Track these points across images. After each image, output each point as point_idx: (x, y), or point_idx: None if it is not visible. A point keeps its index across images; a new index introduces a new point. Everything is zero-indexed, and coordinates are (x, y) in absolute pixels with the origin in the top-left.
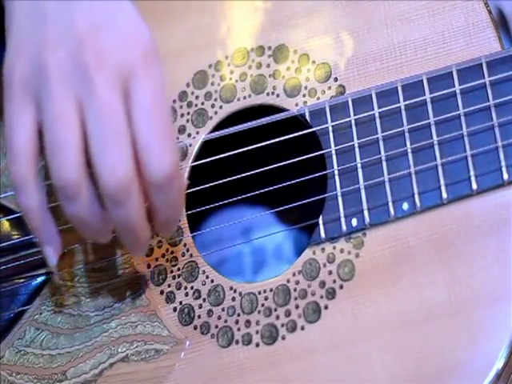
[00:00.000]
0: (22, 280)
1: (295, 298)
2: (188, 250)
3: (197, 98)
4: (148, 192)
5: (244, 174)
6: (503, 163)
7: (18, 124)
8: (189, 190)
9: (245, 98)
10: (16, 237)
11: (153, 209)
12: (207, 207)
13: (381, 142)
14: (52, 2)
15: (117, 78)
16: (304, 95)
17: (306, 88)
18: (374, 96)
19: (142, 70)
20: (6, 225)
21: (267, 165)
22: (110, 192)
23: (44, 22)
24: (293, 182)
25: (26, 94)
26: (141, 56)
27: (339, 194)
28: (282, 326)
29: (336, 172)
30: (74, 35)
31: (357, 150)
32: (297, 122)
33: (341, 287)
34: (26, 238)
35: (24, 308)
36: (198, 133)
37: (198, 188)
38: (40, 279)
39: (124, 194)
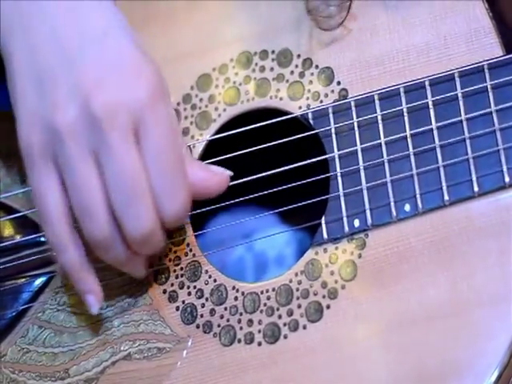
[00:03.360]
0: (25, 279)
1: (297, 298)
2: (191, 250)
3: (201, 100)
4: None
5: (247, 178)
6: (504, 166)
7: (46, 191)
8: None
9: (248, 101)
10: (19, 236)
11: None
12: (210, 208)
13: (383, 145)
14: (53, 63)
15: (129, 129)
16: (307, 98)
17: (309, 91)
18: (376, 99)
19: (149, 115)
20: (9, 224)
21: (270, 166)
22: (137, 241)
23: (50, 85)
24: (296, 184)
25: (47, 160)
26: (147, 97)
27: (342, 195)
28: (285, 325)
29: (339, 173)
30: (81, 92)
31: (359, 152)
32: (299, 124)
33: (343, 287)
34: (29, 237)
35: (27, 306)
36: (201, 135)
37: None
38: (42, 278)
39: (150, 239)
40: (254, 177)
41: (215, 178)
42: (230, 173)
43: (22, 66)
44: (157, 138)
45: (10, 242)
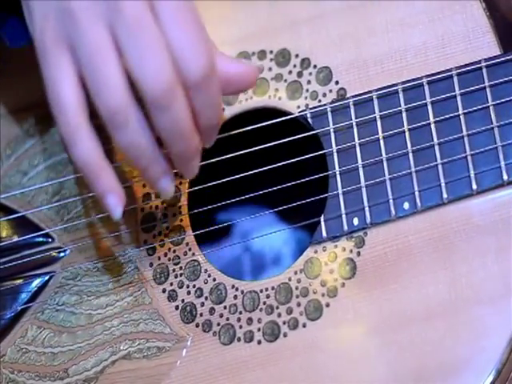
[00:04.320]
0: (24, 279)
1: (297, 296)
2: (190, 249)
3: None
4: (189, 96)
5: (246, 173)
6: (503, 163)
7: (61, 76)
8: (191, 189)
9: (247, 100)
10: (17, 236)
11: (195, 113)
12: (210, 207)
13: (382, 143)
14: None
15: None
16: (306, 98)
17: (307, 91)
18: (375, 99)
19: None
20: (8, 224)
21: (269, 166)
22: (155, 98)
23: None
24: (295, 182)
25: (60, 45)
26: None
27: (341, 193)
28: (284, 323)
29: (337, 172)
30: None
31: (358, 150)
32: (297, 124)
33: (342, 285)
34: (28, 237)
35: (25, 306)
36: None
37: (201, 187)
38: (41, 278)
39: (169, 97)
40: (252, 172)
41: (248, 69)
42: (260, 67)
43: None
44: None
45: (8, 243)
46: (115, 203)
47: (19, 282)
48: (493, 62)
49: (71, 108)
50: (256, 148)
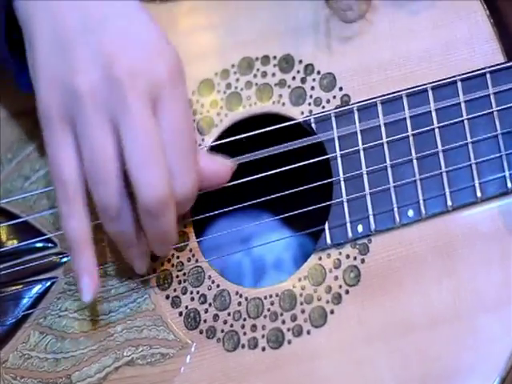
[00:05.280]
0: (25, 285)
1: (301, 303)
2: (194, 256)
3: (202, 105)
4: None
5: (249, 179)
6: (507, 171)
7: (63, 153)
8: None
9: (250, 106)
10: (19, 241)
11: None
12: (213, 213)
13: (386, 150)
14: (75, 28)
15: (148, 98)
16: (309, 104)
17: (311, 97)
18: (379, 105)
19: (169, 91)
20: (9, 230)
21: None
22: (149, 208)
23: (71, 49)
24: (299, 189)
25: (65, 125)
26: (168, 73)
27: (345, 200)
28: (288, 330)
29: (342, 179)
30: (105, 55)
31: (362, 157)
32: (301, 130)
33: (347, 292)
34: (29, 242)
35: (28, 312)
36: (203, 140)
37: (204, 192)
38: (44, 284)
39: (162, 208)
40: (255, 177)
41: (223, 167)
42: (233, 163)
43: (43, 28)
44: (174, 113)
45: (10, 248)
46: (87, 285)
47: (21, 287)
48: (497, 68)
49: (71, 185)
50: (260, 154)
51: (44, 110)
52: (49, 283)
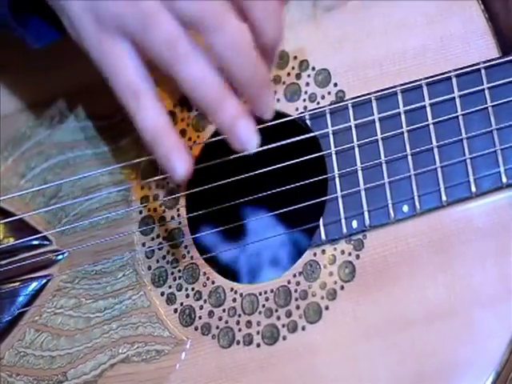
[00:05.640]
0: (21, 282)
1: (296, 299)
2: (189, 252)
3: None
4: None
5: (244, 176)
6: (502, 166)
7: (120, 61)
8: (189, 192)
9: (245, 102)
10: (14, 239)
11: (255, 30)
12: (208, 210)
13: (381, 146)
14: None
15: None
16: (304, 100)
17: (306, 93)
18: (373, 101)
19: None
20: (5, 227)
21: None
22: (206, 18)
23: None
24: (294, 185)
25: (109, 30)
26: None
27: (340, 195)
28: (283, 326)
29: (336, 174)
30: None
31: (357, 153)
32: (296, 126)
33: (341, 288)
34: (25, 240)
35: (23, 310)
36: (198, 137)
37: (199, 190)
38: (39, 281)
39: (218, 14)
40: (250, 174)
41: None
42: None
43: None
44: None
45: (5, 246)
46: (179, 158)
47: (17, 285)
48: (492, 63)
49: (135, 81)
50: (254, 150)
51: (86, 29)
52: (44, 281)
